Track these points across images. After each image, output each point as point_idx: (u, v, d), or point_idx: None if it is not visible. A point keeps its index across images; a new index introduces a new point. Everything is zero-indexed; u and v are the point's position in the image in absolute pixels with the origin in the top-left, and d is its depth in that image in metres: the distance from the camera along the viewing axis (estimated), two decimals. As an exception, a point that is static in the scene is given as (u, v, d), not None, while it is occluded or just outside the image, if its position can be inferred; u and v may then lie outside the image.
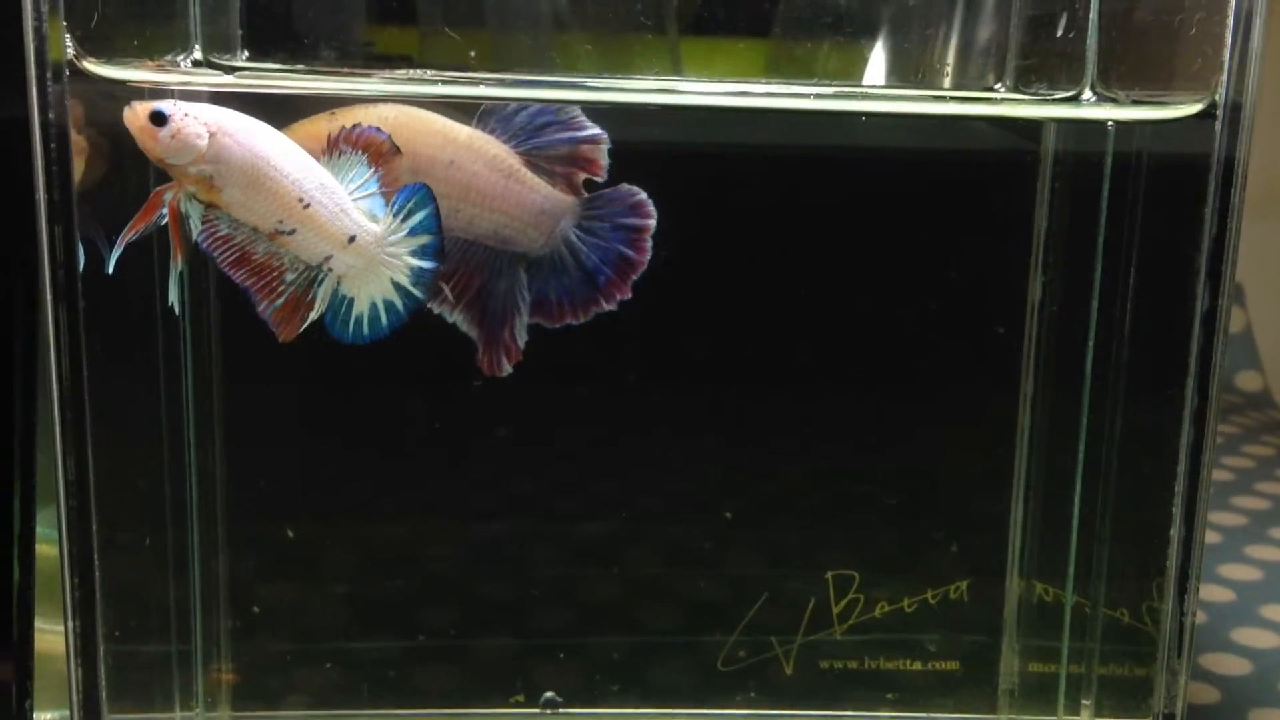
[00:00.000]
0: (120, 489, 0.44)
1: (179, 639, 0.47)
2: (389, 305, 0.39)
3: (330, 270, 0.38)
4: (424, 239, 0.39)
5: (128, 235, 0.38)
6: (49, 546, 0.45)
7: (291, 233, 0.38)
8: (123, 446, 0.44)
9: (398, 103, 0.40)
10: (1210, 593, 0.67)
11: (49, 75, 0.39)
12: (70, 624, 0.43)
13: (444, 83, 0.41)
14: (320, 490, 0.49)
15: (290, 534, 0.48)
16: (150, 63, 0.41)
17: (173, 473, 0.46)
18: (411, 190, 0.39)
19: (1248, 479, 0.86)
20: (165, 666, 0.47)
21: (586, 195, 0.42)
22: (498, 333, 0.42)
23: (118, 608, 0.44)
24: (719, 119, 0.48)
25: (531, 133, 0.41)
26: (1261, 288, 1.09)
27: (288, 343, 0.39)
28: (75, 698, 0.44)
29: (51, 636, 0.45)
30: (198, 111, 0.37)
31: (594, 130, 0.41)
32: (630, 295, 0.42)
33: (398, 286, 0.39)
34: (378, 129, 0.38)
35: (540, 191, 0.41)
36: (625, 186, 0.42)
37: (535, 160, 0.41)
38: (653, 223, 0.42)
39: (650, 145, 0.47)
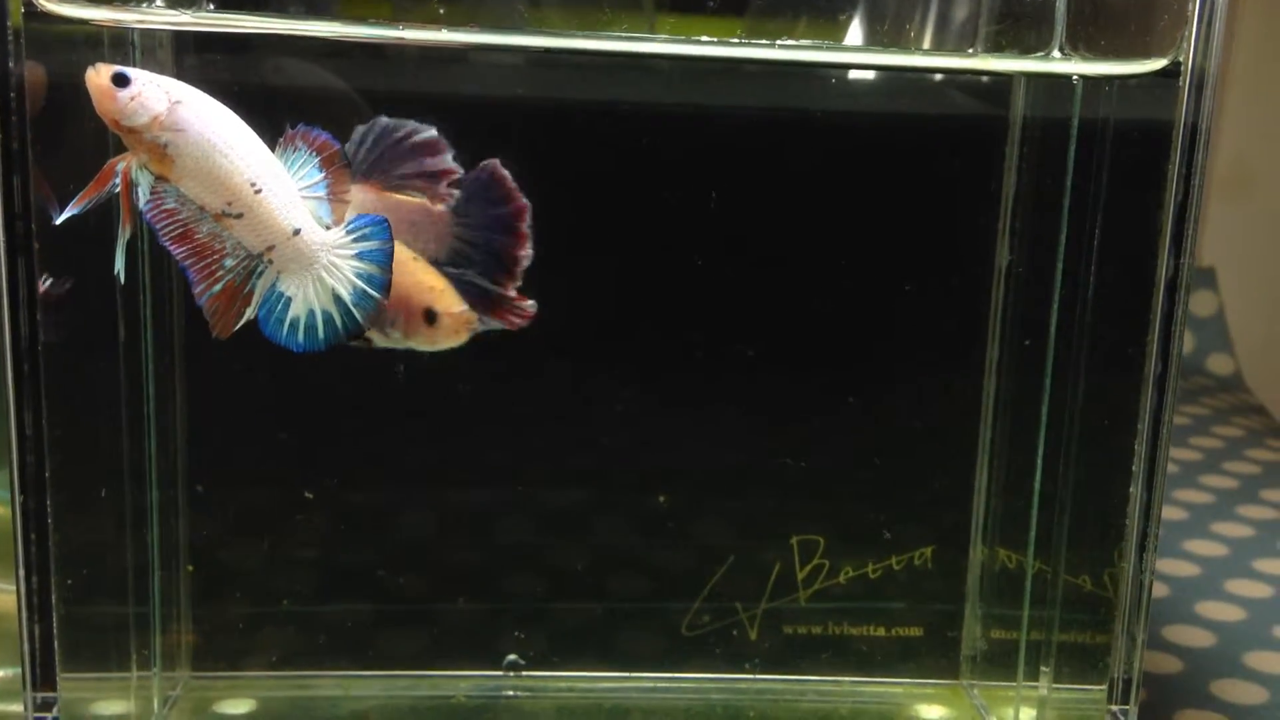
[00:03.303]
0: (77, 447, 0.44)
1: (137, 600, 0.47)
2: (328, 319, 0.39)
3: (270, 263, 0.38)
4: (371, 267, 0.39)
5: (79, 202, 0.38)
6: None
7: (238, 216, 0.38)
8: (80, 404, 0.44)
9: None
10: (1175, 567, 0.68)
11: (8, 21, 0.39)
12: (23, 582, 0.43)
13: (405, 26, 0.40)
14: (283, 453, 0.48)
15: (309, 495, 0.48)
16: (111, 5, 0.41)
17: (131, 431, 0.46)
18: (371, 219, 0.39)
19: (1216, 458, 0.86)
20: (122, 627, 0.47)
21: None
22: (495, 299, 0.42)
23: (73, 567, 0.44)
24: (689, 81, 0.47)
25: (378, 160, 0.40)
26: (1234, 271, 1.09)
27: (223, 338, 0.38)
28: (28, 656, 0.43)
29: (2, 596, 0.45)
30: (161, 81, 0.37)
31: (429, 133, 0.40)
32: (531, 236, 0.41)
33: (338, 300, 0.39)
34: (331, 135, 0.38)
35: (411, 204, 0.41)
36: (469, 175, 0.41)
37: (401, 184, 0.41)
38: (503, 172, 0.41)
39: (620, 106, 0.47)
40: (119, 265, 0.39)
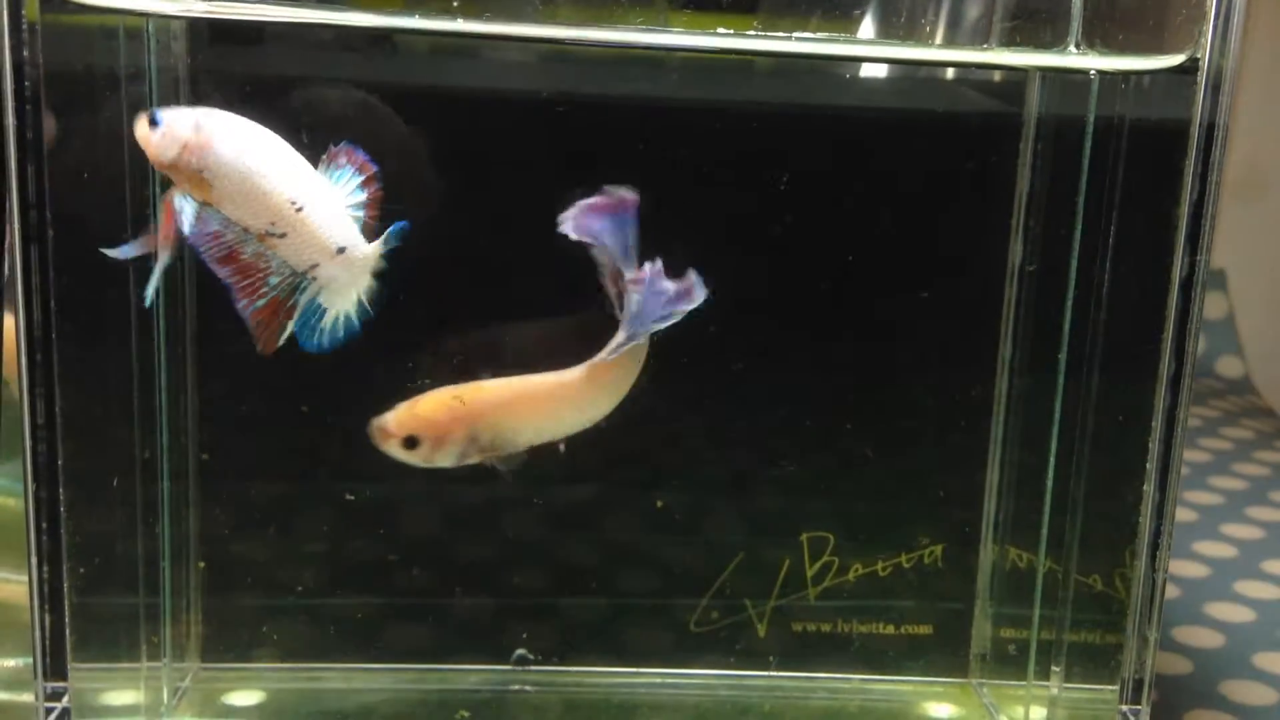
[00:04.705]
0: (89, 438, 0.44)
1: (147, 591, 0.47)
2: (347, 318, 0.39)
3: (314, 279, 0.38)
4: None
5: (150, 246, 0.39)
6: (8, 498, 0.44)
7: (282, 236, 0.38)
8: (92, 394, 0.44)
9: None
10: (1185, 568, 0.68)
11: (21, 7, 0.39)
12: (35, 572, 0.43)
13: (421, 15, 0.40)
14: (295, 446, 0.48)
15: (351, 497, 0.48)
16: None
17: (143, 422, 0.46)
18: (400, 228, 0.39)
19: (1225, 460, 0.86)
20: (133, 618, 0.47)
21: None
22: None
23: (85, 558, 0.44)
24: (698, 77, 0.47)
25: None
26: (1244, 273, 1.09)
27: (269, 353, 0.39)
28: (39, 646, 0.43)
29: (12, 586, 0.45)
30: (190, 111, 0.38)
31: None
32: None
33: (358, 302, 0.39)
34: (369, 156, 0.39)
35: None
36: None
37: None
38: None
39: (632, 102, 0.46)
40: (151, 289, 0.39)
